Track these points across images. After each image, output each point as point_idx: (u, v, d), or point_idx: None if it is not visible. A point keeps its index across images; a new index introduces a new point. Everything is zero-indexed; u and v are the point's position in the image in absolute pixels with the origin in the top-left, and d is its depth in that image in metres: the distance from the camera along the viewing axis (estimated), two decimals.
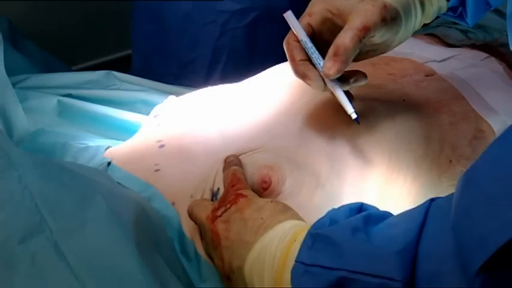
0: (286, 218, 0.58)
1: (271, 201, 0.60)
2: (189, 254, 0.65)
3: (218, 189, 0.67)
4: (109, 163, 0.73)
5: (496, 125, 0.80)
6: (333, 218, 0.53)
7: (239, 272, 0.57)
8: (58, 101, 0.85)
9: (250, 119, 0.75)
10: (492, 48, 0.96)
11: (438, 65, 0.89)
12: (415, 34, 1.04)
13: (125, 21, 1.55)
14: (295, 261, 0.51)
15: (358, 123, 0.67)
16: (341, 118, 0.72)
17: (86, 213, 0.55)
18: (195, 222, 0.64)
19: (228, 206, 0.61)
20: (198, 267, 0.64)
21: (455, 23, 1.00)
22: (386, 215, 0.53)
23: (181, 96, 0.85)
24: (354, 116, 0.67)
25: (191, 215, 0.64)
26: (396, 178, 0.72)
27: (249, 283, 0.56)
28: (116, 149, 0.78)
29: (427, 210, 0.48)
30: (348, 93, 0.69)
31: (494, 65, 0.91)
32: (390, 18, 0.65)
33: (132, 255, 0.53)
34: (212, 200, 0.67)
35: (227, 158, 0.69)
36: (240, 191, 0.62)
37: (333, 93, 0.68)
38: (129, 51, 1.60)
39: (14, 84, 0.81)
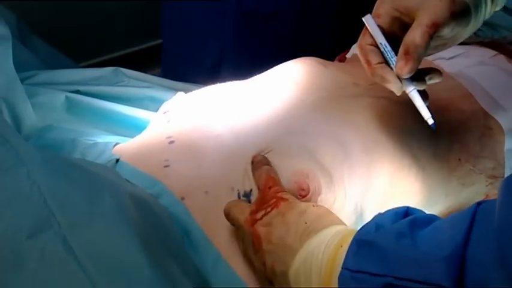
0: (330, 223, 0.58)
1: (313, 205, 0.60)
2: (199, 249, 0.65)
3: (251, 190, 0.67)
4: (117, 160, 0.73)
5: (505, 122, 0.80)
6: (378, 223, 0.53)
7: (283, 277, 0.57)
8: (66, 97, 0.86)
9: (259, 115, 0.75)
10: (500, 46, 0.95)
11: (446, 63, 0.89)
12: None
13: (133, 18, 1.56)
14: (342, 267, 0.51)
15: (435, 129, 0.66)
16: (353, 116, 0.72)
17: (94, 209, 0.55)
18: (232, 224, 0.64)
19: (269, 209, 0.60)
20: (211, 262, 0.64)
21: None
22: (432, 218, 0.53)
23: (190, 93, 0.85)
24: (430, 121, 0.66)
25: (228, 216, 0.64)
26: (407, 175, 0.72)
27: (294, 287, 0.56)
28: (124, 146, 0.78)
29: (474, 214, 0.47)
30: (423, 94, 0.67)
31: (503, 62, 0.91)
32: (459, 12, 0.63)
33: (140, 250, 0.53)
34: (239, 197, 0.67)
35: (255, 157, 0.69)
36: (279, 194, 0.62)
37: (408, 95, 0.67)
38: (136, 48, 1.61)
39: (22, 81, 0.82)
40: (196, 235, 0.66)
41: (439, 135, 0.76)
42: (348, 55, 0.81)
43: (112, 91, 0.91)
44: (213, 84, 0.86)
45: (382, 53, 0.66)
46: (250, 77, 0.87)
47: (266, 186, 0.63)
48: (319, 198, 0.66)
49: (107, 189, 0.58)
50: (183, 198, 0.68)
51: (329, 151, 0.69)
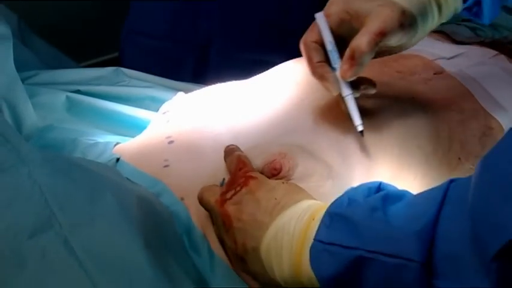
0: (301, 198, 0.58)
1: (283, 182, 0.61)
2: (199, 249, 0.65)
3: (224, 179, 0.67)
4: (118, 159, 0.73)
5: (505, 122, 0.80)
6: (351, 198, 0.53)
7: (254, 253, 0.57)
8: (67, 97, 0.86)
9: (259, 115, 0.75)
10: (501, 46, 0.95)
11: (447, 63, 0.89)
12: None
13: None
14: (314, 239, 0.52)
15: (362, 135, 0.68)
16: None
17: (95, 209, 0.55)
18: (205, 208, 0.64)
19: (238, 188, 0.61)
20: (210, 262, 0.64)
21: (464, 20, 1.00)
22: (404, 194, 0.53)
23: (190, 93, 0.85)
24: (360, 128, 0.67)
25: (201, 201, 0.64)
26: (406, 175, 0.72)
27: (266, 263, 0.57)
28: (124, 145, 0.78)
29: (446, 190, 0.48)
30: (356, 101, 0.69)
31: (504, 62, 0.91)
32: (408, 24, 0.65)
33: (141, 250, 0.53)
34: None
35: (227, 146, 0.69)
36: (249, 173, 0.62)
37: (342, 99, 0.69)
38: None
39: (23, 80, 0.82)
40: (195, 234, 0.66)
41: (439, 135, 0.76)
42: None
43: (113, 91, 0.91)
44: (214, 84, 0.86)
45: (325, 52, 0.67)
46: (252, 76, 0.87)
47: (236, 169, 0.63)
48: (293, 175, 0.66)
49: (108, 188, 0.58)
50: (182, 198, 0.68)
51: (328, 151, 0.69)
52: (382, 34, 0.63)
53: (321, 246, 0.51)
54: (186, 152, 0.72)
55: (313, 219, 0.54)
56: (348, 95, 0.68)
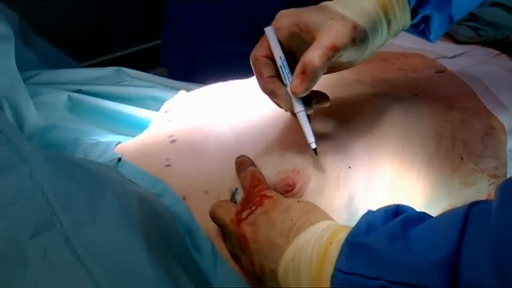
0: (317, 219, 0.57)
1: (298, 201, 0.60)
2: (201, 248, 0.65)
3: (236, 189, 0.67)
4: (119, 159, 0.73)
5: (507, 122, 0.80)
6: (369, 223, 0.53)
7: (272, 275, 0.57)
8: (68, 96, 0.86)
9: (261, 114, 0.75)
10: (503, 45, 0.95)
11: (449, 61, 0.89)
12: None
13: (135, 17, 1.56)
14: (335, 269, 0.51)
15: (316, 154, 0.66)
16: (356, 113, 0.71)
17: (96, 208, 0.55)
18: (218, 224, 0.64)
19: (254, 208, 0.60)
20: (212, 262, 0.64)
21: (465, 20, 1.00)
22: (424, 216, 0.52)
23: (192, 92, 0.85)
24: (313, 146, 0.65)
25: (214, 217, 0.64)
26: (409, 175, 0.71)
27: (283, 285, 0.56)
28: (126, 145, 0.78)
29: (467, 215, 0.47)
30: (308, 117, 0.67)
31: (506, 62, 0.91)
32: (359, 40, 0.64)
33: (142, 250, 0.53)
34: (231, 199, 0.67)
35: (238, 158, 0.68)
36: (263, 192, 0.61)
37: (295, 116, 0.67)
38: (138, 48, 1.61)
39: (24, 80, 0.82)
40: (197, 234, 0.66)
41: (442, 134, 0.76)
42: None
43: (114, 91, 0.91)
44: (215, 83, 0.86)
45: (276, 67, 0.65)
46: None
47: (251, 186, 0.63)
48: (305, 192, 0.66)
49: (109, 188, 0.58)
50: (184, 198, 0.68)
51: (329, 150, 0.69)
52: (335, 48, 0.62)
53: (341, 276, 0.51)
54: (188, 151, 0.72)
55: (331, 242, 0.53)
56: (300, 111, 0.65)
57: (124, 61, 1.28)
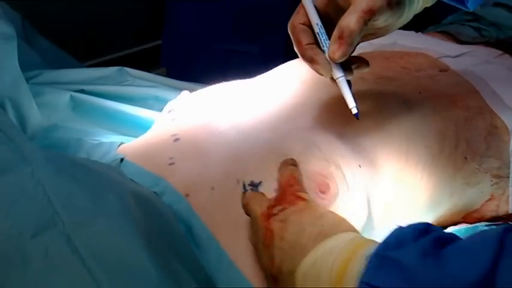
0: (345, 230, 0.57)
1: (331, 212, 0.60)
2: (205, 247, 0.64)
3: (260, 182, 0.66)
4: (122, 159, 0.73)
5: (510, 122, 0.80)
6: (399, 239, 0.51)
7: (289, 276, 0.56)
8: (71, 96, 0.86)
9: (264, 113, 0.75)
10: (506, 46, 0.95)
11: (452, 61, 0.89)
12: (428, 31, 1.04)
13: (138, 17, 1.56)
14: (361, 281, 0.50)
15: (358, 119, 0.66)
16: (360, 111, 0.71)
17: (98, 208, 0.55)
18: (248, 215, 0.63)
19: (286, 206, 0.60)
20: (217, 261, 0.63)
21: (468, 20, 1.00)
22: (454, 237, 0.51)
23: (195, 92, 0.86)
24: (354, 110, 0.65)
25: (246, 207, 0.63)
26: (414, 173, 0.71)
27: None
28: (129, 145, 0.78)
29: (502, 237, 0.46)
30: (349, 84, 0.67)
31: (509, 61, 0.91)
32: (395, 3, 0.63)
33: (144, 249, 0.53)
34: (245, 188, 0.66)
35: (285, 159, 0.67)
36: (298, 193, 0.61)
37: (335, 83, 0.67)
38: (141, 47, 1.61)
39: (27, 80, 0.82)
40: (200, 232, 0.65)
41: (445, 133, 0.76)
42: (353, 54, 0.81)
43: (117, 91, 0.91)
44: (215, 81, 0.86)
45: (314, 34, 0.66)
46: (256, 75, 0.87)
47: (287, 184, 0.63)
48: (336, 201, 0.66)
49: (111, 188, 0.58)
50: (187, 195, 0.68)
51: (338, 150, 0.69)
52: (371, 12, 0.61)
53: None
54: (192, 150, 0.72)
55: (354, 254, 0.52)
56: (340, 77, 0.65)
57: (126, 61, 1.28)
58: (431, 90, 0.81)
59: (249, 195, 0.64)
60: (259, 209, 0.61)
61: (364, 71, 0.69)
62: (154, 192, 0.67)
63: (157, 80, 0.98)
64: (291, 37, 0.67)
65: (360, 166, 0.69)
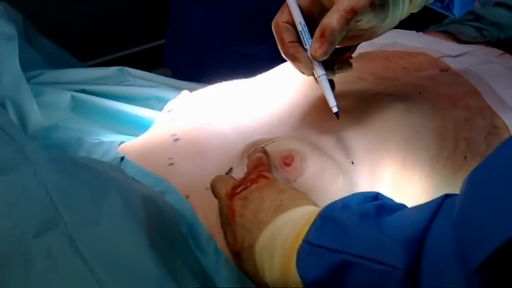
0: (305, 204, 0.57)
1: (293, 188, 0.60)
2: (205, 247, 0.65)
3: (231, 168, 0.67)
4: (122, 158, 0.73)
5: (511, 122, 0.80)
6: (345, 203, 0.53)
7: (250, 250, 0.57)
8: (72, 96, 0.86)
9: (263, 113, 0.75)
10: (507, 45, 0.95)
11: (453, 60, 0.89)
12: (428, 31, 1.04)
13: (139, 17, 1.56)
14: (303, 240, 0.51)
15: (338, 117, 0.66)
16: (358, 111, 0.71)
17: (100, 208, 0.55)
18: (216, 197, 0.64)
19: (249, 184, 0.60)
20: (216, 261, 0.64)
21: (469, 20, 1.00)
22: (400, 206, 0.52)
23: (195, 92, 0.86)
24: (335, 109, 0.66)
25: (213, 189, 0.64)
26: (412, 174, 0.71)
27: (258, 262, 0.56)
28: (129, 144, 0.78)
29: (440, 205, 0.47)
30: (331, 83, 0.68)
31: (509, 61, 0.91)
32: (378, 4, 0.64)
33: (146, 250, 0.53)
34: None
35: (255, 148, 0.68)
36: (262, 172, 0.62)
37: (318, 82, 0.68)
38: (142, 47, 1.61)
39: (28, 80, 0.82)
40: (200, 233, 0.66)
41: (445, 133, 0.76)
42: (354, 54, 0.81)
43: (118, 90, 0.91)
44: (217, 82, 0.86)
45: (298, 33, 0.66)
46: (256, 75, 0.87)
47: (253, 167, 0.63)
48: (306, 169, 0.66)
49: (113, 188, 0.58)
50: (187, 196, 0.68)
51: (335, 149, 0.69)
52: (353, 11, 0.62)
53: (308, 248, 0.51)
54: (191, 150, 0.72)
55: (309, 223, 0.53)
56: (321, 75, 0.66)
57: (127, 61, 1.28)
58: (431, 90, 0.81)
59: (216, 177, 0.65)
60: (224, 189, 0.62)
61: (348, 71, 0.70)
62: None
63: (158, 80, 0.98)
64: (275, 35, 0.67)
65: (352, 163, 0.69)
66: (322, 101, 0.73)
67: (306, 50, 0.66)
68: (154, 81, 0.98)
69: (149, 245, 0.54)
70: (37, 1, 1.29)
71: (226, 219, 0.60)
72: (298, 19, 0.66)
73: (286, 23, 0.66)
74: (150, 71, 1.01)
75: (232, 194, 0.61)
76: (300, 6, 0.66)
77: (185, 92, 0.87)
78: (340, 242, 0.49)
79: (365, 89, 0.79)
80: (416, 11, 0.70)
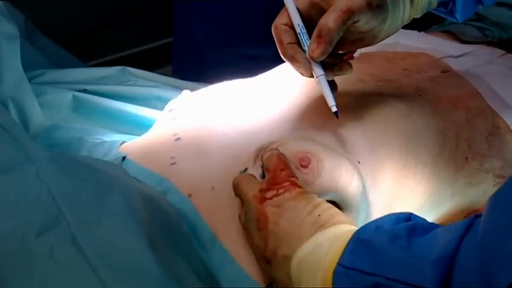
0: (344, 221, 0.58)
1: (326, 202, 0.60)
2: (208, 247, 0.65)
3: (246, 169, 0.67)
4: (124, 157, 0.73)
5: None
6: (378, 224, 0.54)
7: (284, 261, 0.57)
8: (73, 96, 0.86)
9: (265, 113, 0.75)
10: (509, 45, 0.95)
11: (454, 61, 0.89)
12: (430, 31, 1.04)
13: (140, 17, 1.56)
14: (337, 263, 0.52)
15: (337, 117, 0.67)
16: (359, 112, 0.71)
17: (103, 207, 0.55)
18: (239, 196, 0.64)
19: (281, 191, 0.60)
20: (220, 260, 0.64)
21: (471, 20, 1.00)
22: (432, 226, 0.53)
23: (196, 91, 0.86)
24: (334, 109, 0.66)
25: (236, 188, 0.64)
26: (413, 175, 0.71)
27: (294, 275, 0.56)
28: (131, 144, 0.78)
29: (470, 225, 0.48)
30: (332, 84, 0.68)
31: (511, 62, 0.91)
32: (376, 5, 0.64)
33: (148, 249, 0.53)
34: None
35: (269, 148, 0.68)
36: (293, 179, 0.62)
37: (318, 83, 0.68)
38: (143, 47, 1.61)
39: (30, 80, 0.82)
40: (203, 232, 0.66)
41: (446, 134, 0.76)
42: (356, 54, 0.81)
43: (119, 90, 0.91)
44: (219, 82, 0.86)
45: (296, 35, 0.67)
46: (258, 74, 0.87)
47: (277, 168, 0.63)
48: (323, 170, 0.66)
49: (115, 187, 0.58)
50: (190, 196, 0.68)
51: (334, 147, 0.69)
52: (350, 11, 0.62)
53: (342, 270, 0.51)
54: (193, 149, 0.72)
55: (345, 244, 0.54)
56: (320, 76, 0.66)
57: (129, 61, 1.28)
58: (431, 92, 0.81)
59: (239, 176, 0.65)
60: (251, 191, 0.62)
61: (347, 73, 0.70)
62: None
63: (159, 80, 0.98)
64: (274, 37, 0.68)
65: (359, 162, 0.69)
66: (324, 101, 0.74)
67: (304, 51, 0.66)
68: (156, 81, 0.98)
69: (151, 244, 0.54)
70: (39, 1, 1.29)
71: (256, 223, 0.60)
72: (297, 21, 0.66)
73: (285, 25, 0.67)
74: (152, 71, 1.01)
75: (262, 198, 0.60)
76: (298, 9, 0.67)
77: (186, 92, 0.87)
78: (372, 264, 0.50)
79: (366, 91, 0.79)
80: (419, 15, 0.70)
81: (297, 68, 0.67)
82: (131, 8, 1.47)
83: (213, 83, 0.87)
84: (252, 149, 0.69)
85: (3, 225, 0.52)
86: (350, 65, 0.70)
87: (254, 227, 0.61)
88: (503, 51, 0.93)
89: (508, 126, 0.80)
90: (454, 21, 0.72)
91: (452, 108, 0.79)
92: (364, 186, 0.68)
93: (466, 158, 0.76)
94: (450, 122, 0.77)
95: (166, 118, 0.82)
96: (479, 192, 0.78)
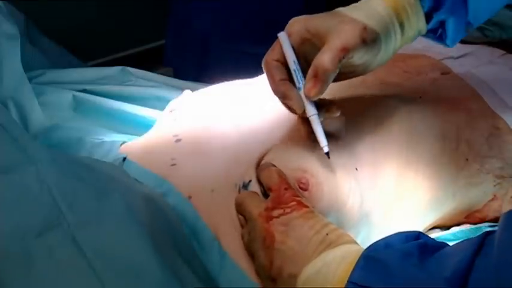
0: (351, 241, 0.58)
1: (331, 223, 0.60)
2: (208, 248, 0.65)
3: (250, 181, 0.67)
4: (124, 158, 0.73)
5: None
6: (388, 242, 0.54)
7: (290, 280, 0.57)
8: (73, 96, 0.86)
9: (265, 114, 0.75)
10: (509, 45, 0.95)
11: (455, 62, 0.89)
12: None
13: (140, 17, 1.56)
14: (348, 281, 0.52)
15: (329, 157, 0.66)
16: (360, 115, 0.71)
17: (103, 208, 0.55)
18: (242, 214, 0.64)
19: (288, 210, 0.60)
20: (220, 262, 0.64)
21: None
22: (442, 245, 0.53)
23: (197, 91, 0.85)
24: (325, 149, 0.65)
25: (240, 206, 0.64)
26: (414, 175, 0.71)
27: None
28: (131, 144, 0.78)
29: (482, 241, 0.48)
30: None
31: (511, 62, 0.91)
32: (370, 40, 0.64)
33: (149, 250, 0.53)
34: (239, 191, 0.67)
35: (265, 162, 0.68)
36: (299, 199, 0.62)
37: (304, 120, 0.67)
38: (143, 47, 1.61)
39: (30, 79, 0.82)
40: (203, 234, 0.66)
41: (446, 135, 0.76)
42: None
43: (119, 90, 0.91)
44: (218, 81, 0.86)
45: (287, 71, 0.66)
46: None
47: (281, 187, 0.63)
48: (323, 197, 0.66)
49: (115, 188, 0.58)
50: (190, 197, 0.68)
51: (337, 152, 0.69)
52: (345, 50, 0.62)
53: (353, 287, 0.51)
54: (194, 151, 0.72)
55: (354, 263, 0.54)
56: (312, 115, 0.66)
57: (129, 61, 1.28)
58: (431, 94, 0.81)
59: (243, 194, 0.65)
60: (255, 209, 0.62)
61: (335, 115, 0.69)
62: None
63: (159, 80, 0.98)
64: (265, 73, 0.67)
65: (356, 169, 0.69)
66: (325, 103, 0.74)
67: (298, 88, 0.65)
68: (156, 81, 0.98)
69: (152, 245, 0.54)
70: (39, 1, 1.29)
71: (261, 242, 0.60)
72: (292, 58, 0.65)
73: (277, 61, 0.66)
74: (152, 71, 1.01)
75: (268, 217, 0.60)
76: (291, 45, 0.66)
77: (187, 92, 0.87)
78: (384, 281, 0.50)
79: (368, 94, 0.79)
80: (410, 43, 0.70)
81: (290, 105, 0.66)
82: (131, 8, 1.47)
83: (213, 83, 0.87)
84: (256, 154, 0.69)
85: (3, 226, 0.51)
86: (337, 109, 0.69)
87: (259, 245, 0.60)
88: (503, 51, 0.93)
89: (508, 127, 0.80)
90: (444, 46, 0.72)
91: (452, 110, 0.79)
92: (361, 197, 0.68)
93: (467, 159, 0.76)
94: (450, 123, 0.77)
95: (166, 119, 0.82)
96: (480, 192, 0.79)
